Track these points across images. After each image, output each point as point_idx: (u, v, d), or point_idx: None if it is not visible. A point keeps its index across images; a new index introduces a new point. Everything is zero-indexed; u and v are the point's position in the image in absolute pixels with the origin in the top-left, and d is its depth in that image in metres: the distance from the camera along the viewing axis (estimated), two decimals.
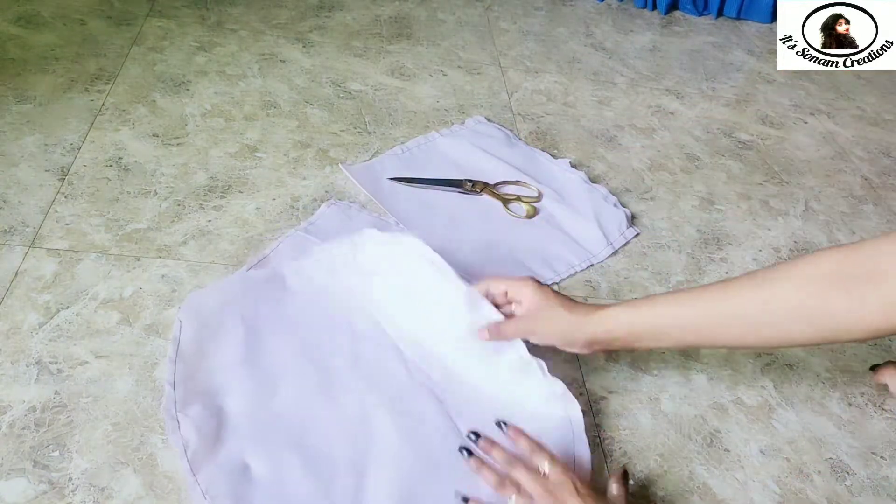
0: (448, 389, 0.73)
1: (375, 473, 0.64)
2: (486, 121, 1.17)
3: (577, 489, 0.59)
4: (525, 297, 0.70)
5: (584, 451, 0.69)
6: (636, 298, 0.73)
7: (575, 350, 0.70)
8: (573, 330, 0.68)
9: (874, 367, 0.84)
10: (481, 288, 0.73)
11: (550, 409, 0.71)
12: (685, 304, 0.64)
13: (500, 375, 0.73)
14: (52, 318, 0.74)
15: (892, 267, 0.52)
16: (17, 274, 0.78)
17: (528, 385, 0.72)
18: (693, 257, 0.98)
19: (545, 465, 0.62)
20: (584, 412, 0.74)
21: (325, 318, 0.78)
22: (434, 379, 0.73)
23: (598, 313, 0.67)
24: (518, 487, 0.61)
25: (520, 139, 1.15)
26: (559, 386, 0.71)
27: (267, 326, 0.75)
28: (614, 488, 0.63)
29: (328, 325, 0.77)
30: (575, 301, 0.70)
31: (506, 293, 0.72)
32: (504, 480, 0.62)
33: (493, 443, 0.66)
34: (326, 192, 0.97)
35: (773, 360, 0.85)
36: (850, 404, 0.81)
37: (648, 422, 0.75)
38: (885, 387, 0.83)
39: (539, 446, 0.64)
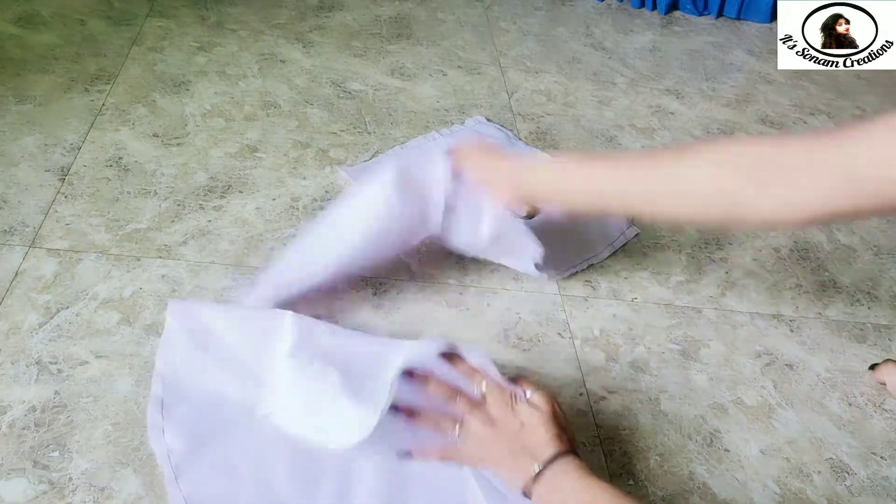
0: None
1: (361, 477, 0.64)
2: (486, 121, 1.17)
3: (513, 400, 0.61)
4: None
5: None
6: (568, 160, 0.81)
7: (503, 193, 0.75)
8: (519, 171, 0.75)
9: (873, 366, 0.84)
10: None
11: None
12: (604, 172, 0.69)
13: None
14: (52, 318, 0.74)
15: (796, 164, 0.55)
16: (17, 274, 0.78)
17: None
18: (693, 257, 0.98)
19: (482, 386, 0.63)
20: (583, 412, 0.74)
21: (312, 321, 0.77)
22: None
23: (534, 168, 0.76)
24: (459, 420, 0.62)
25: (520, 139, 1.15)
26: None
27: (258, 329, 0.74)
28: (535, 397, 0.63)
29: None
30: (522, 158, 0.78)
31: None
32: (440, 418, 0.63)
33: (426, 377, 0.65)
34: (326, 192, 0.97)
35: (773, 361, 0.85)
36: (850, 404, 0.81)
37: (648, 422, 0.75)
38: (884, 385, 0.83)
39: (473, 370, 0.64)
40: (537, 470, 0.57)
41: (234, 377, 0.70)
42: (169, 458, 0.62)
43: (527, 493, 0.58)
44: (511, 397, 0.62)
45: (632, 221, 1.01)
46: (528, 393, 0.62)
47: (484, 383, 0.62)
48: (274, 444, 0.65)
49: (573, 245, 0.95)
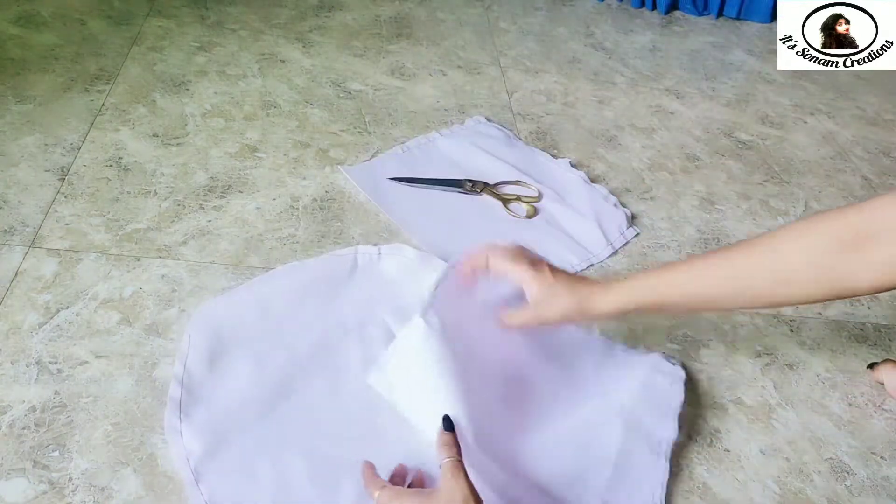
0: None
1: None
2: (486, 121, 1.16)
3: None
4: (527, 286, 0.69)
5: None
6: (641, 272, 0.72)
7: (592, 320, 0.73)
8: (580, 309, 0.67)
9: (872, 366, 0.84)
10: (479, 261, 0.70)
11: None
12: (692, 276, 0.65)
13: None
14: (51, 318, 0.74)
15: (886, 226, 0.55)
16: (16, 274, 0.78)
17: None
18: None
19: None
20: None
21: (337, 323, 0.77)
22: None
23: (601, 291, 0.67)
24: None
25: (520, 139, 1.15)
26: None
27: (279, 333, 0.75)
28: None
29: (340, 330, 0.77)
30: (576, 277, 0.70)
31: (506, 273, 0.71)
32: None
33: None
34: (326, 191, 0.97)
35: (773, 360, 0.85)
36: (850, 404, 0.81)
37: None
38: (882, 384, 0.83)
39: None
40: None
41: (255, 373, 0.70)
42: (188, 460, 0.62)
43: None
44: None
45: (632, 222, 1.01)
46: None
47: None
48: (293, 446, 0.65)
49: (573, 245, 0.95)
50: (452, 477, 0.57)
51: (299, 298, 0.79)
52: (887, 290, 0.57)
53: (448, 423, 0.62)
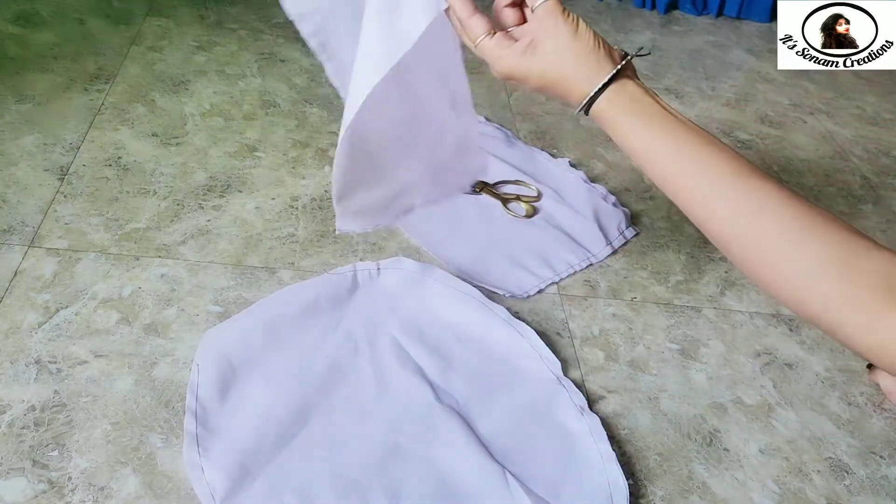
0: (473, 409, 0.72)
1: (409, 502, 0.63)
2: (485, 120, 1.16)
3: None
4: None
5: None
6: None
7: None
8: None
9: (871, 366, 0.84)
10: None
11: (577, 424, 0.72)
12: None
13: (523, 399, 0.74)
14: (51, 317, 0.74)
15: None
16: (16, 273, 0.78)
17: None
18: (693, 257, 0.98)
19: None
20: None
21: (346, 342, 0.76)
22: (460, 402, 0.73)
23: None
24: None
25: (519, 139, 1.15)
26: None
27: (288, 356, 0.73)
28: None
29: (350, 349, 0.76)
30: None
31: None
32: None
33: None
34: (326, 191, 0.97)
35: (773, 360, 0.85)
36: (849, 404, 0.81)
37: (648, 421, 0.75)
38: (878, 386, 0.83)
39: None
40: (606, 79, 0.50)
41: (270, 400, 0.69)
42: (213, 496, 0.61)
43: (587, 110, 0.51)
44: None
45: (631, 221, 1.01)
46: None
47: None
48: (319, 472, 0.64)
49: (572, 245, 0.95)
50: (554, 17, 0.49)
51: (304, 320, 0.77)
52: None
53: None
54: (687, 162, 0.51)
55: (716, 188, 0.50)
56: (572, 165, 1.09)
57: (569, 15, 0.53)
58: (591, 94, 0.51)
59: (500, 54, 0.53)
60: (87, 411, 0.66)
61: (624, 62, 0.53)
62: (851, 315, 0.46)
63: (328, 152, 1.04)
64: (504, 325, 0.80)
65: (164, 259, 0.83)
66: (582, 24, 0.53)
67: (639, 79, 0.54)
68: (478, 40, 0.54)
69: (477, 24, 0.54)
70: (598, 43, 0.53)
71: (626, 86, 0.52)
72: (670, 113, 0.51)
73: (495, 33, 0.54)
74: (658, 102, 0.52)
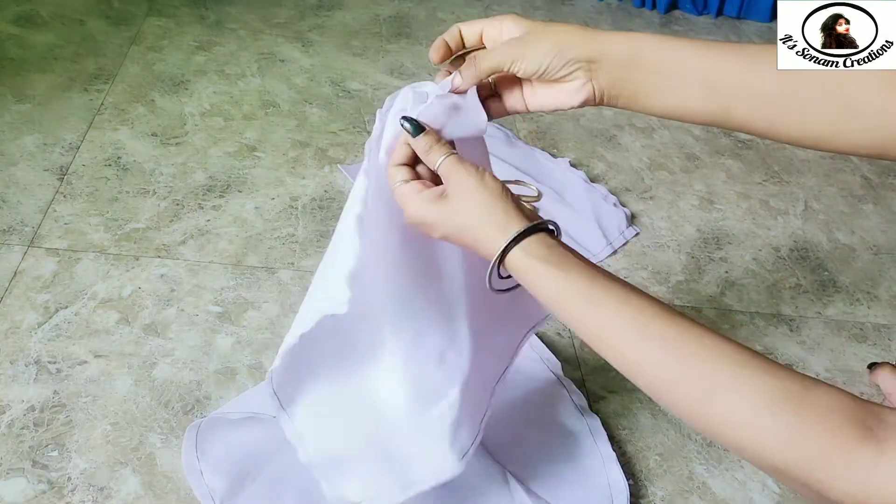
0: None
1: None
2: None
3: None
4: (507, 30, 0.57)
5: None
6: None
7: (561, 75, 0.56)
8: (572, 46, 0.54)
9: (872, 366, 0.84)
10: (451, 32, 0.59)
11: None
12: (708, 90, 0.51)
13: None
14: (50, 317, 0.74)
15: None
16: (15, 273, 0.78)
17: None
18: (693, 257, 0.98)
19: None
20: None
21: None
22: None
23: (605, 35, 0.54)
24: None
25: (519, 138, 1.14)
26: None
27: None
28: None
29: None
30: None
31: (481, 35, 0.59)
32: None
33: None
34: (325, 191, 0.97)
35: (774, 360, 0.85)
36: None
37: (648, 421, 0.75)
38: (879, 387, 0.83)
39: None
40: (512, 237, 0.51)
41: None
42: (213, 498, 0.61)
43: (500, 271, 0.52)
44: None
45: (631, 221, 1.01)
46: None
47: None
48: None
49: (572, 245, 0.95)
50: (456, 170, 0.51)
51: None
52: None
53: (415, 125, 0.54)
54: (607, 309, 0.49)
55: (640, 330, 0.48)
56: (572, 165, 1.09)
57: (472, 166, 0.54)
58: (511, 238, 0.51)
59: (413, 199, 0.55)
60: (86, 411, 0.66)
61: (542, 220, 0.54)
62: (820, 455, 0.40)
63: (328, 152, 1.04)
64: None
65: (164, 259, 0.83)
66: (488, 175, 0.54)
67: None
68: (395, 185, 0.56)
69: (398, 172, 0.56)
70: (507, 193, 0.55)
71: (542, 237, 0.53)
72: (588, 262, 0.52)
73: (414, 181, 0.56)
74: (576, 254, 0.52)
